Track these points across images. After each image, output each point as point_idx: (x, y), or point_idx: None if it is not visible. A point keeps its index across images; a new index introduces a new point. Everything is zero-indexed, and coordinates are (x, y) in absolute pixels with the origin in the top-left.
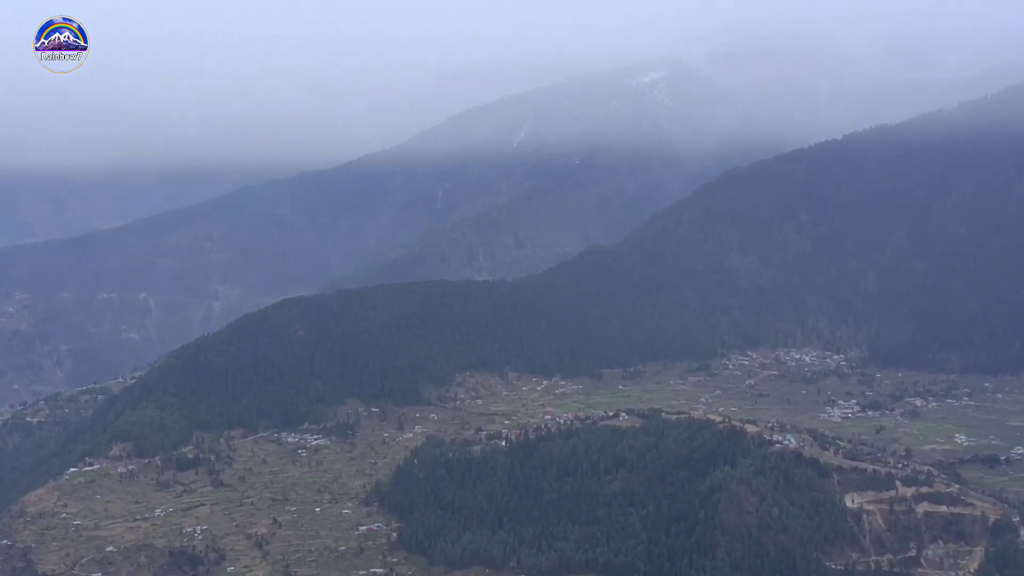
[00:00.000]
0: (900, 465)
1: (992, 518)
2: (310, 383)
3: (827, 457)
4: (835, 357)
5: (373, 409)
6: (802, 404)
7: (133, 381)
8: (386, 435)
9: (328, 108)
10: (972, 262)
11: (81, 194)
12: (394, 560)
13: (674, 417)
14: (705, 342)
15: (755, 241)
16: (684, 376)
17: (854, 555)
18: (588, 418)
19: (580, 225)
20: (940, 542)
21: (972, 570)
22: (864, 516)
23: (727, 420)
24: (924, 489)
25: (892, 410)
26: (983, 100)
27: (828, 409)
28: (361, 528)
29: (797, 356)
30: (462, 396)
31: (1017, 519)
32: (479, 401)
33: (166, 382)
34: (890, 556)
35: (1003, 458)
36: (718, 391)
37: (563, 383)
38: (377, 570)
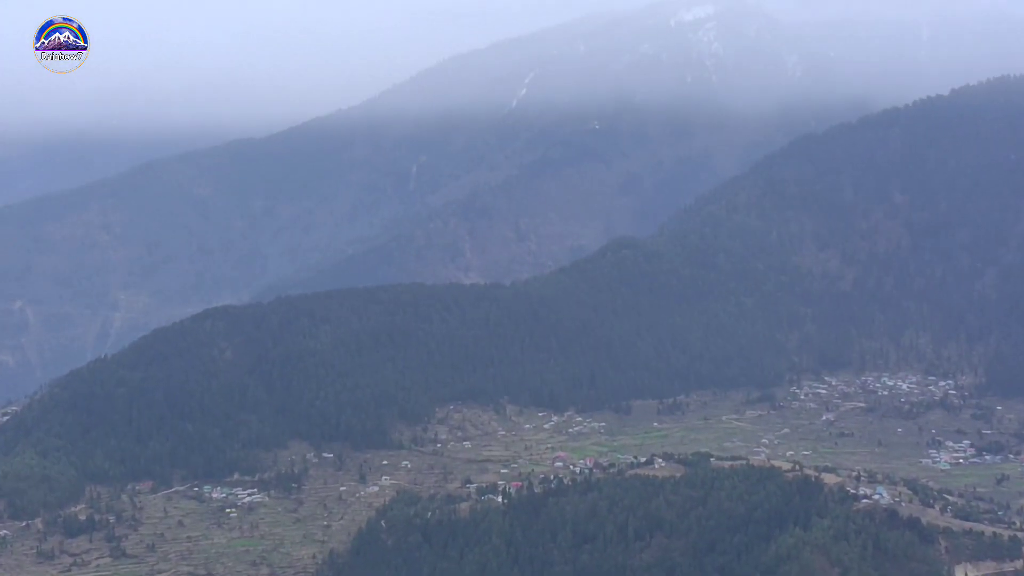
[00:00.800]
0: None
1: None
2: (242, 420)
3: (931, 516)
4: (941, 384)
5: (326, 455)
6: (898, 446)
7: (6, 418)
8: (343, 488)
9: (265, 54)
10: None
11: None
12: None
13: (727, 464)
14: (768, 365)
15: (835, 231)
16: (741, 409)
17: None
18: (613, 466)
19: (601, 211)
20: None
21: None
22: None
23: (798, 468)
24: None
25: (1018, 454)
26: None
27: (933, 453)
28: None
29: (891, 383)
30: (444, 437)
31: None
32: (467, 444)
33: (50, 420)
34: None
35: None
36: (786, 429)
37: (579, 419)
38: None
